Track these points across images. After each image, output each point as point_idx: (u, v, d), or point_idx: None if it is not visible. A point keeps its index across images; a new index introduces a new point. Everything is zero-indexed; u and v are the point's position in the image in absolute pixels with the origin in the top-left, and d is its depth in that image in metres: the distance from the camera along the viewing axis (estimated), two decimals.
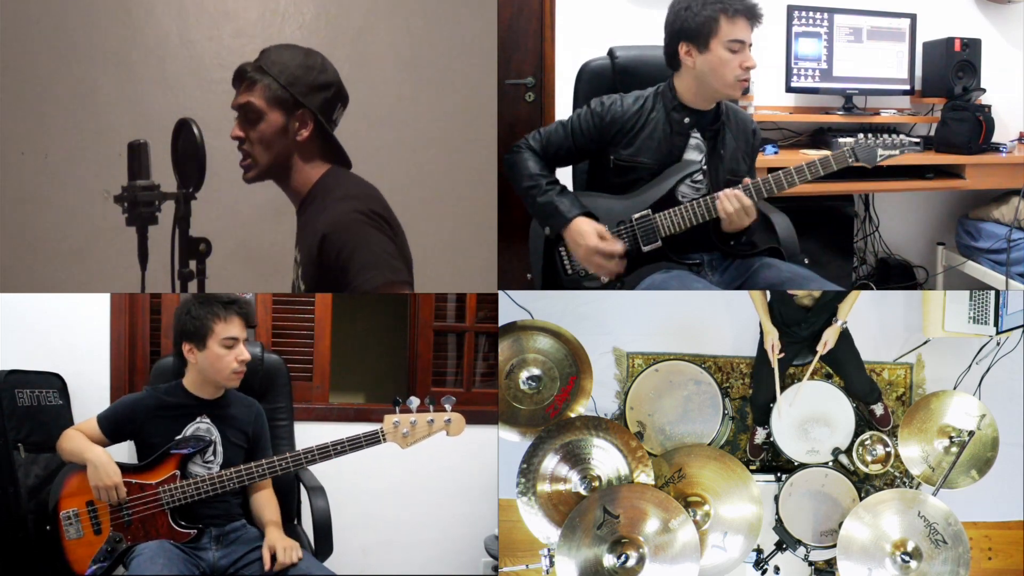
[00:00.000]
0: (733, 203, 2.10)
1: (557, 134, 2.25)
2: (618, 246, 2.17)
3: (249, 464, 2.07)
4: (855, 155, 2.13)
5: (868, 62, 3.48)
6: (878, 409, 2.63)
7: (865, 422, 2.63)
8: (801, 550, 2.34)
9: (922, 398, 2.46)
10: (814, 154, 2.14)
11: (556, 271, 2.29)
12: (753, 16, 2.10)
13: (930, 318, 2.74)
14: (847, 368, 2.55)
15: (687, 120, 2.19)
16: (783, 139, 3.49)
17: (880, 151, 2.13)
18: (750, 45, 2.11)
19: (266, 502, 2.19)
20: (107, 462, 2.03)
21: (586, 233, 2.16)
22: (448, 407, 2.08)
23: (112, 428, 2.15)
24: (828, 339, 2.44)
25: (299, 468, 2.09)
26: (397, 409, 2.06)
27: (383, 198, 1.89)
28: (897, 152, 2.15)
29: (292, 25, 2.93)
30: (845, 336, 2.49)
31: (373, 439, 2.05)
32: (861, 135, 2.17)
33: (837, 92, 3.48)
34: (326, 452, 2.05)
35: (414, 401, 2.06)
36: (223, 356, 2.10)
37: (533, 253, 2.37)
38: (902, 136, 2.16)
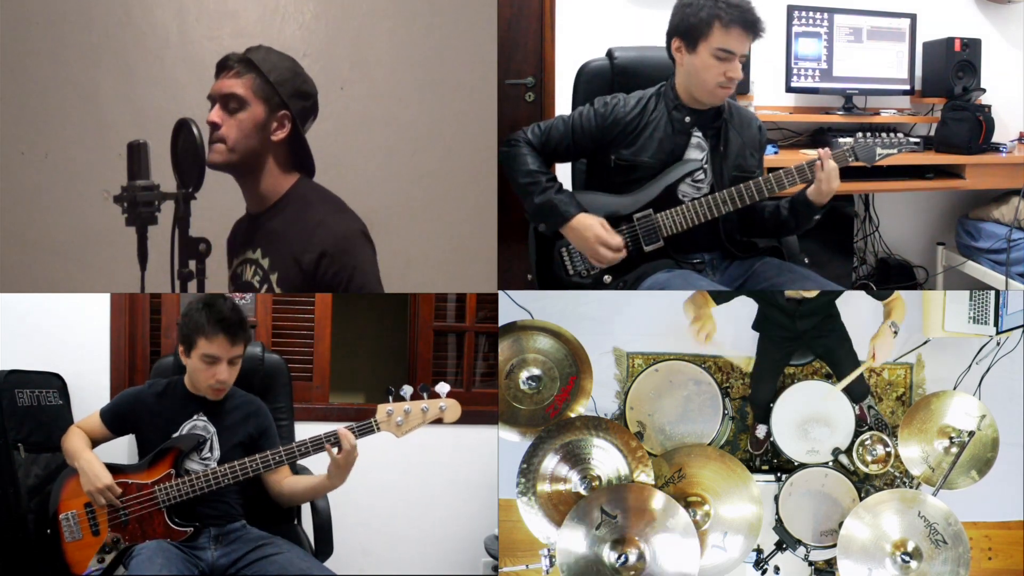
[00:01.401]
0: (828, 163, 2.09)
1: (557, 130, 2.25)
2: (618, 237, 2.17)
3: (243, 459, 2.07)
4: (855, 154, 2.15)
5: (868, 62, 3.48)
6: (855, 408, 2.63)
7: None
8: (801, 550, 2.34)
9: (922, 398, 2.46)
10: (814, 154, 2.15)
11: (553, 271, 2.28)
12: (749, 28, 2.08)
13: (930, 318, 2.73)
14: (844, 368, 2.54)
15: (688, 119, 2.19)
16: (783, 139, 3.50)
17: (879, 150, 2.15)
18: (744, 56, 2.10)
19: (293, 480, 2.19)
20: (95, 466, 2.04)
21: (591, 225, 2.16)
22: (442, 393, 2.08)
23: (114, 422, 2.17)
24: (880, 347, 2.34)
25: (293, 461, 2.09)
26: (390, 399, 2.06)
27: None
28: (895, 151, 2.17)
29: (292, 25, 2.93)
30: (844, 336, 2.49)
31: (367, 429, 2.05)
32: (860, 134, 2.18)
33: (837, 92, 3.48)
34: (319, 443, 2.05)
35: (407, 390, 2.06)
36: (201, 371, 2.11)
37: (533, 254, 2.37)
38: (900, 135, 2.17)
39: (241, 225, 2.01)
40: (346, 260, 1.81)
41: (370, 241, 1.89)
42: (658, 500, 2.14)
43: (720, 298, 2.35)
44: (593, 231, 2.16)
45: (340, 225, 1.86)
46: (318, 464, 2.17)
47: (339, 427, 2.05)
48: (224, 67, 1.86)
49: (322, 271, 1.80)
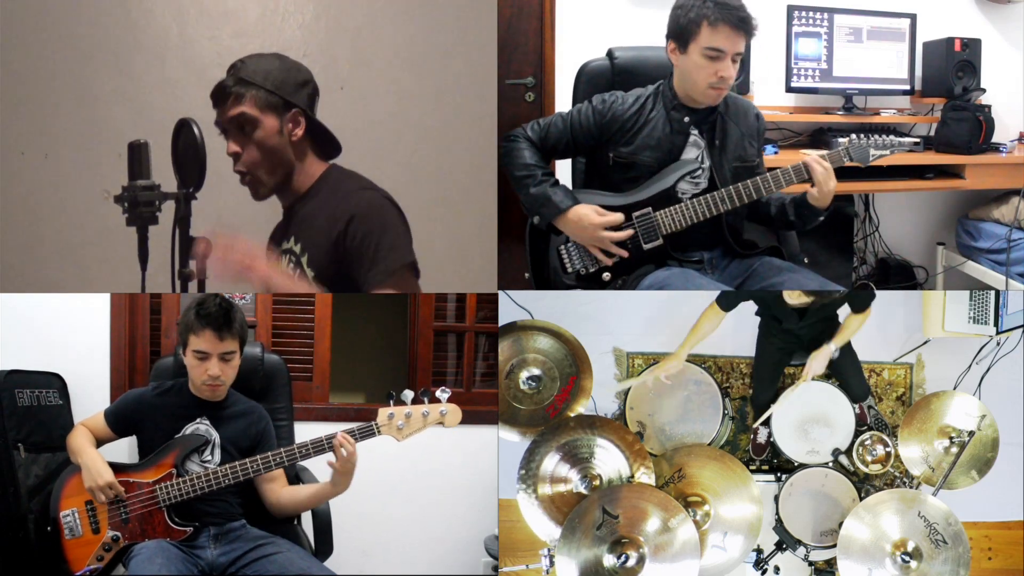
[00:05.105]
0: (822, 164, 2.11)
1: (556, 127, 2.26)
2: (615, 215, 2.17)
3: (244, 460, 2.07)
4: (849, 155, 2.18)
5: (868, 62, 3.48)
6: (855, 408, 2.63)
7: None
8: (801, 550, 2.34)
9: (922, 398, 2.46)
10: (812, 154, 2.16)
11: (551, 270, 2.28)
12: (738, 26, 2.07)
13: (930, 318, 2.74)
14: (846, 371, 2.54)
15: (687, 119, 2.20)
16: (783, 139, 3.49)
17: (872, 151, 2.19)
18: (737, 55, 2.10)
19: (293, 489, 2.20)
20: (98, 463, 2.05)
21: (586, 213, 2.17)
22: (443, 399, 2.08)
23: (117, 423, 2.18)
24: (814, 365, 2.40)
25: (293, 463, 2.09)
26: (391, 403, 2.07)
27: None
28: (888, 152, 2.20)
29: (292, 25, 2.93)
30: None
31: (368, 432, 2.06)
32: (854, 135, 2.21)
33: (837, 92, 3.48)
34: (320, 446, 2.05)
35: (408, 394, 2.07)
36: (194, 367, 2.13)
37: (529, 253, 2.36)
38: (892, 136, 2.20)
39: (279, 226, 2.02)
40: (373, 222, 1.81)
41: (399, 210, 1.88)
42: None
43: (724, 298, 2.35)
44: (589, 218, 2.16)
45: (364, 194, 1.87)
46: (319, 465, 2.17)
47: (339, 428, 2.05)
48: (222, 95, 1.86)
49: (350, 236, 1.79)
